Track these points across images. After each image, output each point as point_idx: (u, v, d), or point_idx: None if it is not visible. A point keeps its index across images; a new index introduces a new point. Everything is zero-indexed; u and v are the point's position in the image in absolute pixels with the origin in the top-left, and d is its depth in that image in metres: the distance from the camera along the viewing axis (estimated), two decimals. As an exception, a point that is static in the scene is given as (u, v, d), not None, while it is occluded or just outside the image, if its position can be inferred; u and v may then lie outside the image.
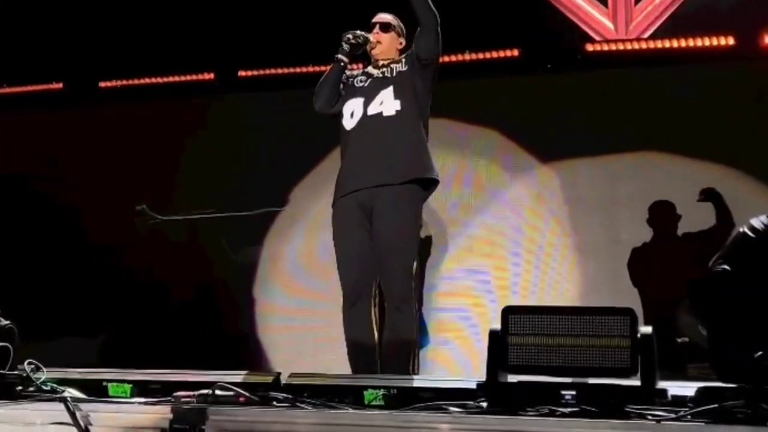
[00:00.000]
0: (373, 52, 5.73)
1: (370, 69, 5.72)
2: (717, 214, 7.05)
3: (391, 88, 5.50)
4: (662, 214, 7.25)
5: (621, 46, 7.65)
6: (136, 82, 8.86)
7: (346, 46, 5.65)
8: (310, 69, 8.03)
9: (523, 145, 7.72)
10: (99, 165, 8.55)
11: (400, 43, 5.79)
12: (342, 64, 5.66)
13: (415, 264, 5.44)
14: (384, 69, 5.63)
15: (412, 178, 5.42)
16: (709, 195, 7.08)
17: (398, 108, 5.47)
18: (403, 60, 5.62)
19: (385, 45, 5.73)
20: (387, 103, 5.48)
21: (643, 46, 7.61)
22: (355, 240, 5.45)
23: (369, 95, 5.53)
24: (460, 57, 7.91)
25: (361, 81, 5.66)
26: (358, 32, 5.67)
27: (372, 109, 5.49)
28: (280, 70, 8.49)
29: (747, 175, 7.12)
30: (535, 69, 7.84)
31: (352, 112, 5.56)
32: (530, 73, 7.85)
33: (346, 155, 5.58)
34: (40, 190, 8.67)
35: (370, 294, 5.46)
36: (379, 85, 5.55)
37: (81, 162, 8.64)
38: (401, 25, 5.81)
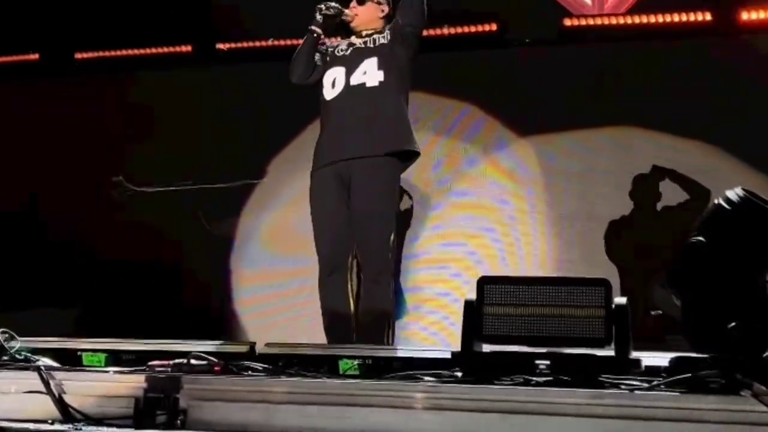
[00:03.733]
0: (352, 25, 5.70)
1: (352, 39, 5.69)
2: (684, 187, 7.09)
3: (375, 59, 5.48)
4: (645, 188, 7.26)
5: (598, 21, 7.65)
6: (113, 53, 8.80)
7: (318, 17, 5.60)
8: (290, 42, 7.99)
9: (501, 119, 7.72)
10: (75, 136, 8.51)
11: (383, 11, 5.72)
12: (315, 35, 5.62)
13: (392, 236, 5.46)
14: (366, 39, 5.61)
15: (391, 150, 5.42)
16: (660, 172, 7.12)
17: (381, 79, 5.45)
18: (387, 31, 5.59)
19: (364, 17, 5.69)
20: (370, 74, 5.46)
21: (620, 21, 7.61)
22: (332, 211, 5.46)
23: (351, 64, 5.51)
24: (438, 31, 7.88)
25: (342, 50, 5.63)
26: (332, 3, 5.64)
27: (355, 79, 5.47)
28: (258, 43, 8.45)
29: (725, 152, 7.13)
30: (512, 43, 7.84)
31: (333, 81, 5.54)
32: (508, 47, 7.85)
33: (326, 125, 5.56)
34: (12, 162, 8.60)
35: (347, 265, 5.48)
36: (361, 54, 5.53)
37: (55, 132, 8.60)
38: None
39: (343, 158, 5.41)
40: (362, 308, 5.41)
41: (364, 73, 5.47)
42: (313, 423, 3.30)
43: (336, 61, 5.59)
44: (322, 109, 5.59)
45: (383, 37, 5.57)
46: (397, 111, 5.49)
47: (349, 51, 5.59)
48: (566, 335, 3.48)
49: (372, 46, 5.56)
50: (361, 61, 5.50)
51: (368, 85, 5.45)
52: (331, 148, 5.46)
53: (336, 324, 5.38)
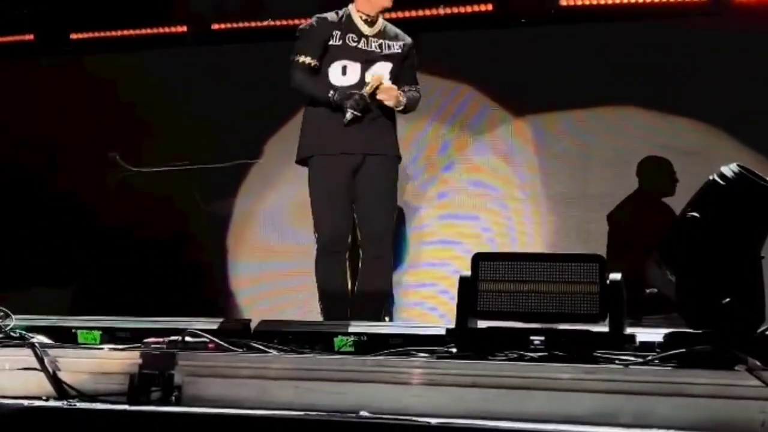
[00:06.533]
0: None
1: (360, 26, 5.66)
2: None
3: (390, 66, 5.63)
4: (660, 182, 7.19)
5: (594, 2, 7.63)
6: (108, 34, 8.78)
7: (349, 115, 5.47)
8: (287, 22, 7.98)
9: (497, 100, 7.71)
10: (70, 116, 8.50)
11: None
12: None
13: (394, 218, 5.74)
14: (381, 41, 5.66)
15: (395, 154, 5.71)
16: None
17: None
18: (404, 47, 5.70)
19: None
20: (385, 77, 5.58)
21: (617, 1, 7.59)
22: (339, 196, 5.57)
23: (368, 60, 5.60)
24: (434, 11, 7.86)
25: (353, 40, 5.63)
26: (359, 98, 5.48)
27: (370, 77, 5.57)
28: (254, 23, 8.43)
29: (721, 131, 7.12)
30: (509, 23, 7.82)
31: (344, 68, 5.60)
32: (504, 27, 7.83)
33: (333, 111, 5.57)
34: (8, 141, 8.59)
35: (347, 246, 5.60)
36: (378, 55, 5.62)
37: (51, 112, 8.58)
38: None
39: (357, 152, 5.55)
40: (360, 288, 5.56)
41: None
42: (307, 399, 3.30)
43: (351, 52, 5.60)
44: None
45: (401, 48, 5.70)
46: (394, 120, 5.73)
47: (362, 44, 5.62)
48: (561, 311, 3.48)
49: (388, 52, 5.65)
50: (379, 60, 5.61)
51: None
52: (345, 138, 5.54)
53: (333, 303, 5.49)
